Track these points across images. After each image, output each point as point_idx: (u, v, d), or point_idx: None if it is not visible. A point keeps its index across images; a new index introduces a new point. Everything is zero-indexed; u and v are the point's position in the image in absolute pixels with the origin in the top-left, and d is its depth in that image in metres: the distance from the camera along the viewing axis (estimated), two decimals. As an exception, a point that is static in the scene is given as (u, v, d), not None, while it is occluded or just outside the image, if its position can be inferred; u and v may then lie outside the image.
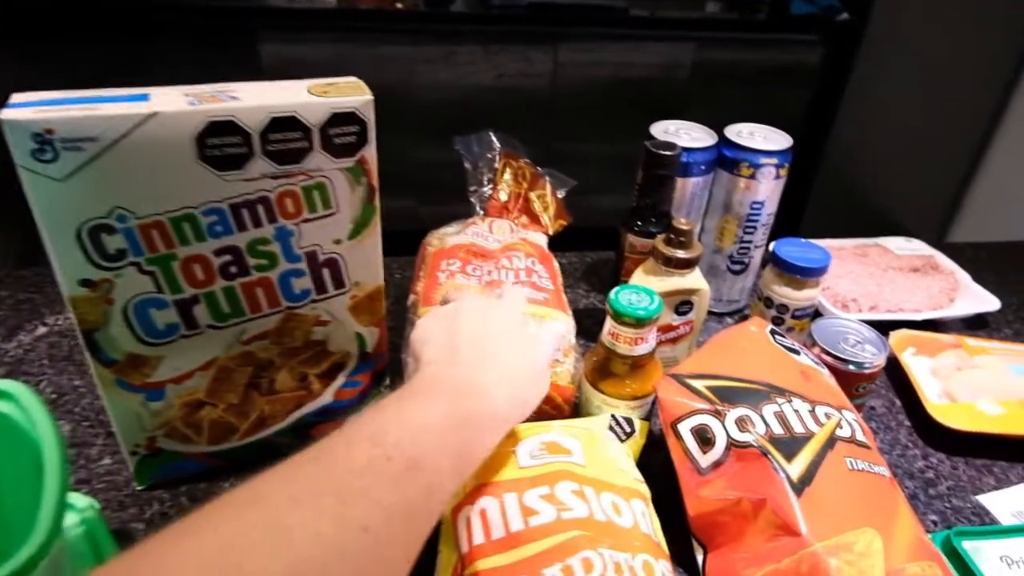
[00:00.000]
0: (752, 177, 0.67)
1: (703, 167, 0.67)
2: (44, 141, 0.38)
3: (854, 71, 1.60)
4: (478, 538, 0.41)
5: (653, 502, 0.46)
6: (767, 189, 0.68)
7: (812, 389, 0.50)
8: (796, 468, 0.44)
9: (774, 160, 0.66)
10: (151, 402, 0.49)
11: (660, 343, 0.62)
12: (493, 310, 0.45)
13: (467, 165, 0.72)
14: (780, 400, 0.48)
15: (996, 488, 0.57)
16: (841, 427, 0.48)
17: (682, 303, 0.60)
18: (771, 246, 0.66)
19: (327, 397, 0.55)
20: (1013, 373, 0.64)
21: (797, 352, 0.54)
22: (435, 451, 0.34)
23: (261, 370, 0.52)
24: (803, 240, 0.68)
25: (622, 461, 0.48)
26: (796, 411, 0.48)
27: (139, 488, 0.53)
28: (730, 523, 0.45)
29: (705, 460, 0.47)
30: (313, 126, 0.44)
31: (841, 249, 0.84)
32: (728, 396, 0.49)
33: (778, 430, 0.46)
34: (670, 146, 0.61)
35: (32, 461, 0.35)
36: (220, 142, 0.42)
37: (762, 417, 0.47)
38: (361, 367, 0.55)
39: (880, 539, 0.42)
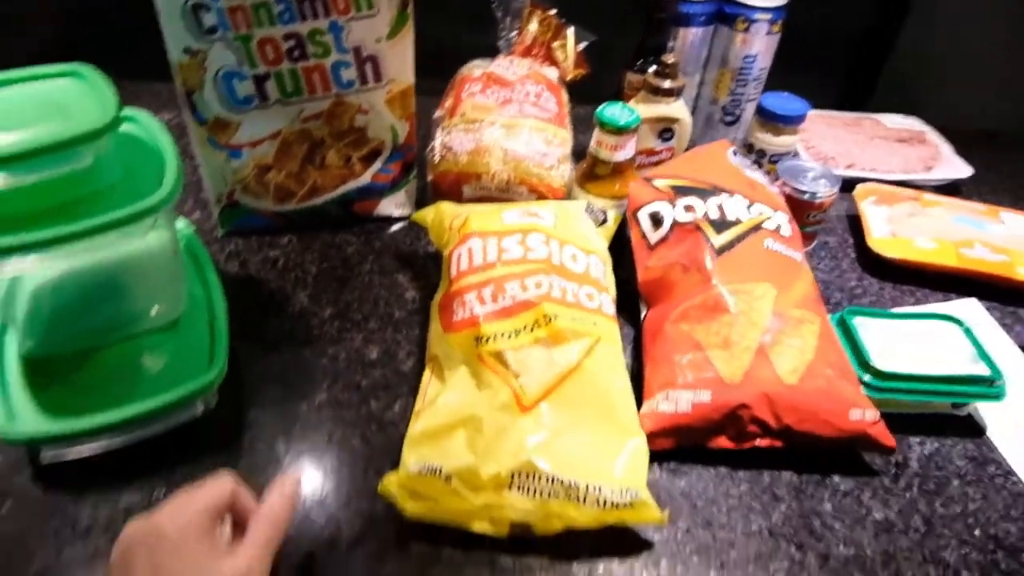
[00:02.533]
0: (746, 31, 0.75)
1: (702, 19, 0.75)
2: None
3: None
4: (463, 266, 0.55)
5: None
6: (760, 44, 0.76)
7: (755, 194, 0.61)
8: (721, 239, 0.56)
9: (768, 16, 0.74)
10: (232, 160, 0.64)
11: (643, 166, 0.73)
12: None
13: (497, 13, 0.82)
14: (724, 195, 0.60)
15: (912, 305, 0.68)
16: (769, 221, 0.59)
17: (664, 130, 0.70)
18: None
19: (366, 178, 0.69)
20: (955, 221, 0.73)
21: (752, 169, 0.65)
22: None
23: (315, 147, 0.66)
24: (788, 94, 0.77)
25: (590, 234, 0.61)
26: (735, 204, 0.59)
27: (221, 234, 0.69)
28: (667, 283, 0.58)
29: (655, 237, 0.60)
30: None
31: (835, 117, 0.91)
32: (682, 191, 0.60)
33: (714, 215, 0.58)
34: (669, -8, 0.70)
35: (154, 170, 0.48)
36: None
37: (705, 205, 0.59)
38: (394, 156, 0.69)
39: (775, 291, 0.54)
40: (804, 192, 0.69)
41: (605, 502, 0.43)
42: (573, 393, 0.48)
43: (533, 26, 0.82)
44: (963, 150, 0.87)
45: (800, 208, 0.69)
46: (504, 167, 0.67)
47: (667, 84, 0.68)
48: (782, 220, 0.60)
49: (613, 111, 0.64)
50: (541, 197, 0.68)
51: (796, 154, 0.77)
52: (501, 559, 0.45)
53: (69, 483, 0.47)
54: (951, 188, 0.85)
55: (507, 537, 0.45)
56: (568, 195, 0.69)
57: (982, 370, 0.54)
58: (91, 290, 0.54)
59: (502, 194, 0.69)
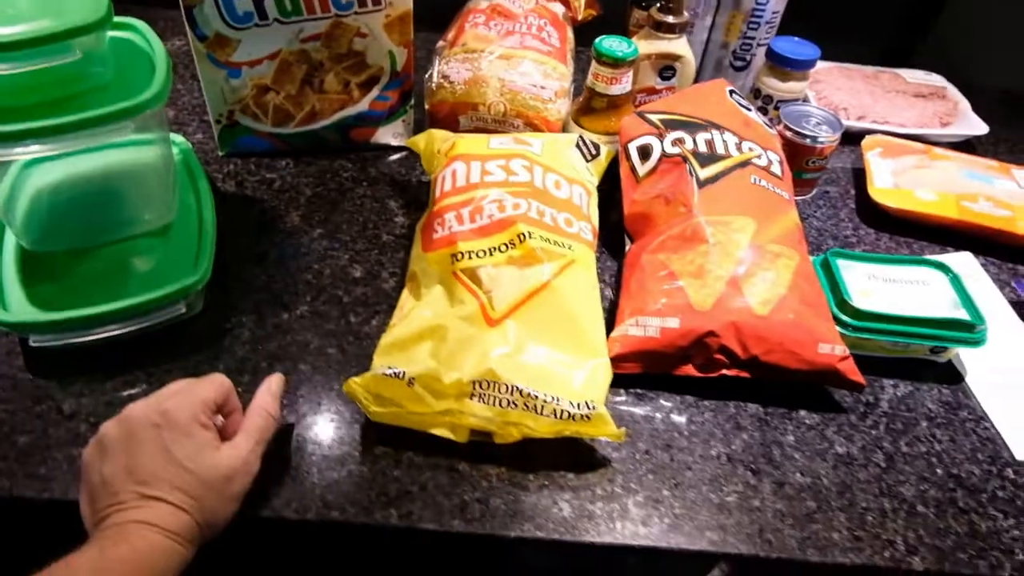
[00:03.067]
0: (759, -30, 0.73)
1: (715, -43, 0.73)
2: None
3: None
4: (447, 187, 0.56)
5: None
6: (773, -16, 0.74)
7: (748, 132, 0.60)
8: (706, 172, 0.56)
9: (782, -46, 0.72)
10: (231, 79, 0.65)
11: (643, 104, 0.72)
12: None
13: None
14: (714, 131, 0.59)
15: (908, 257, 0.67)
16: (759, 158, 0.58)
17: (666, 67, 0.69)
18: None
19: (364, 105, 0.70)
20: (963, 175, 0.71)
21: (749, 109, 0.63)
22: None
23: (314, 70, 0.66)
24: (799, 39, 0.75)
25: (579, 166, 0.61)
26: (725, 141, 0.58)
27: (221, 154, 0.70)
28: (650, 216, 0.58)
29: (642, 169, 0.59)
30: None
31: (854, 69, 0.89)
32: (673, 125, 0.60)
33: (703, 149, 0.57)
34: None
35: (148, 76, 0.50)
36: None
37: (694, 140, 0.58)
38: (392, 83, 0.69)
39: (755, 224, 0.53)
40: (805, 136, 0.67)
41: (562, 413, 0.44)
42: (540, 311, 0.48)
43: (545, -38, 0.81)
44: (987, 109, 0.84)
45: (800, 152, 0.68)
46: (500, 98, 0.67)
47: (670, 19, 0.67)
48: (774, 159, 0.59)
49: (611, 43, 0.63)
50: (537, 130, 0.68)
51: (806, 101, 0.75)
52: (460, 465, 0.46)
53: (57, 373, 0.50)
54: (967, 146, 0.82)
55: (467, 444, 0.46)
56: (565, 130, 0.69)
57: (963, 315, 0.53)
58: (87, 195, 0.57)
59: (499, 126, 0.69)
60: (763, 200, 0.56)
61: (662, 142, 0.59)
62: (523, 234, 0.50)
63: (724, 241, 0.52)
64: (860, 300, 0.54)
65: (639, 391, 0.52)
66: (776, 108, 0.74)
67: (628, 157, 0.61)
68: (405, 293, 0.54)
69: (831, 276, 0.56)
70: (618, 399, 0.51)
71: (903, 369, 0.55)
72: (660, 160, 0.58)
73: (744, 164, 0.57)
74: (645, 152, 0.59)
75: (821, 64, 0.89)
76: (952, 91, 0.87)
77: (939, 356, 0.56)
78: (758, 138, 0.60)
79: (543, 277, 0.49)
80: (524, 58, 0.68)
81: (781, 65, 0.73)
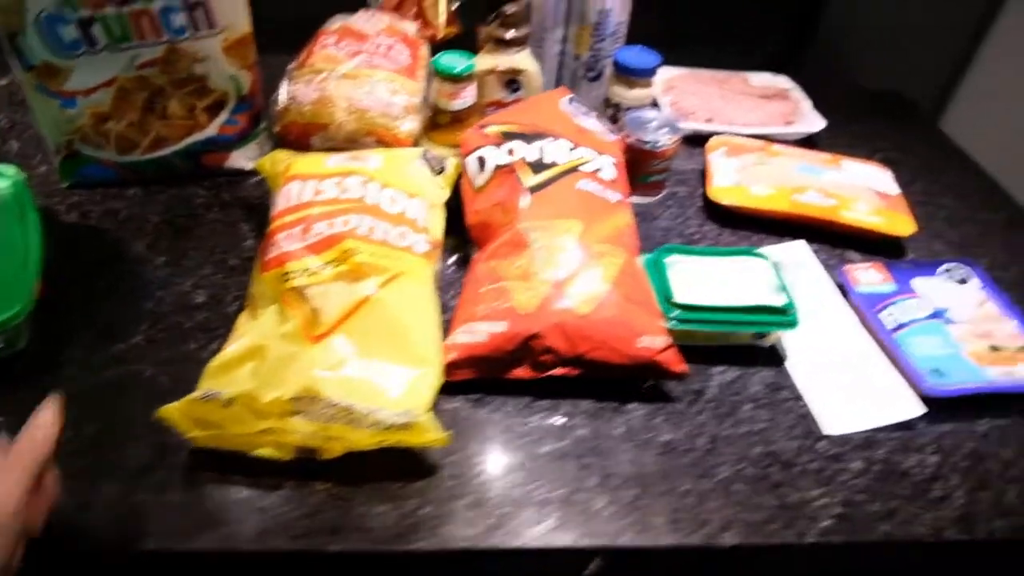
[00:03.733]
0: (598, -16, 0.76)
1: (556, -28, 0.76)
2: None
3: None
4: (280, 207, 0.56)
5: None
6: (613, -2, 0.77)
7: (582, 139, 0.63)
8: (534, 180, 0.58)
9: (617, -31, 0.76)
10: (66, 108, 0.64)
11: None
12: None
13: (368, -34, 0.83)
14: (548, 140, 0.61)
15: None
16: (590, 163, 0.60)
17: (510, 81, 0.72)
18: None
19: (212, 129, 0.69)
20: (797, 169, 0.76)
21: (585, 116, 0.66)
22: None
23: (155, 96, 0.66)
24: (642, 47, 0.79)
25: (421, 180, 0.62)
26: (557, 148, 0.61)
27: (64, 186, 0.69)
28: (489, 225, 0.59)
29: (479, 179, 0.61)
30: None
31: (706, 75, 0.93)
32: (510, 136, 0.62)
33: (534, 157, 0.60)
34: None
35: None
36: None
37: (527, 149, 0.60)
38: (240, 107, 0.69)
39: (581, 226, 0.56)
40: (646, 142, 0.71)
41: (381, 423, 0.45)
42: (364, 323, 0.49)
43: (403, -18, 0.83)
44: (838, 106, 0.90)
45: (643, 157, 0.71)
46: (349, 117, 0.68)
47: (510, 34, 0.69)
48: (605, 163, 0.62)
49: (448, 59, 0.65)
50: (388, 147, 0.69)
51: (654, 106, 0.79)
52: (287, 483, 0.46)
53: None
54: (809, 141, 0.88)
55: (296, 461, 0.46)
56: (416, 145, 0.70)
57: (775, 300, 0.57)
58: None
59: (351, 145, 0.69)
60: (591, 203, 0.58)
61: (497, 153, 0.61)
62: (349, 250, 0.51)
63: (548, 245, 0.54)
64: (684, 293, 0.57)
65: (477, 396, 0.53)
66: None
67: (467, 168, 0.62)
68: (243, 316, 0.54)
69: (661, 273, 0.59)
70: (456, 405, 0.52)
71: (732, 356, 0.58)
72: (495, 170, 0.60)
73: (573, 170, 0.59)
74: (482, 163, 0.61)
75: (676, 71, 0.94)
76: (796, 92, 0.92)
77: (762, 341, 0.59)
78: (591, 143, 0.63)
79: (367, 291, 0.50)
80: (371, 76, 0.70)
81: (625, 74, 0.76)
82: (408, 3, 0.83)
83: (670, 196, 0.77)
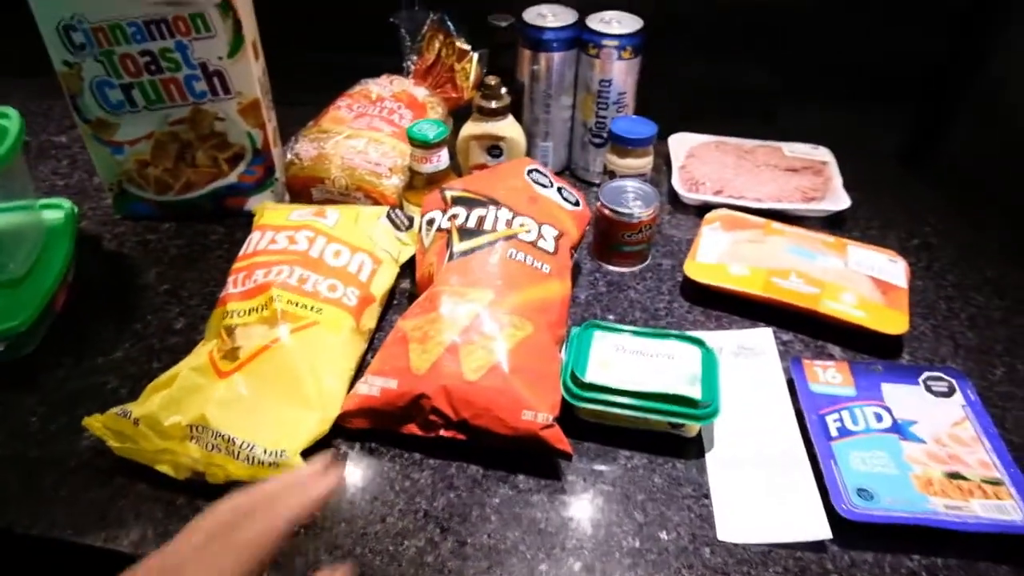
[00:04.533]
0: (597, 56, 0.78)
1: (558, 44, 0.78)
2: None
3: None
4: (241, 254, 0.64)
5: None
6: (613, 68, 0.78)
7: (530, 208, 0.64)
8: (462, 246, 0.60)
9: (615, 42, 0.77)
10: (115, 155, 0.76)
11: (479, 179, 0.78)
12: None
13: (403, 33, 0.90)
14: (492, 208, 0.63)
15: (713, 330, 0.67)
16: (528, 233, 0.62)
17: (492, 147, 0.75)
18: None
19: (233, 177, 0.79)
20: (786, 251, 0.71)
21: (545, 186, 0.67)
22: None
23: (185, 148, 0.77)
24: (639, 117, 0.79)
25: (379, 237, 0.67)
26: (497, 216, 0.62)
27: (116, 216, 0.82)
28: (427, 284, 0.63)
29: (427, 240, 0.64)
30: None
31: (730, 144, 0.90)
32: (460, 201, 0.65)
33: (471, 224, 0.62)
34: (505, 19, 0.75)
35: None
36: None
37: (467, 215, 0.63)
38: (256, 160, 0.78)
39: (492, 295, 0.57)
40: (619, 213, 0.71)
41: (255, 459, 0.49)
42: (265, 366, 0.54)
43: (436, 46, 0.89)
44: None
45: (617, 228, 0.71)
46: (342, 173, 0.75)
47: (492, 104, 0.73)
48: (548, 234, 0.63)
49: (421, 127, 0.69)
50: (376, 202, 0.75)
51: (643, 177, 0.78)
52: (178, 499, 0.52)
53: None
54: (835, 221, 0.82)
55: (192, 481, 0.52)
56: (400, 202, 0.76)
57: (692, 391, 0.54)
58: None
59: (344, 198, 0.76)
60: (516, 272, 0.59)
61: (443, 216, 0.64)
62: (272, 298, 0.57)
63: (453, 310, 0.56)
64: (596, 372, 0.56)
65: (374, 446, 0.56)
66: (619, 183, 0.77)
67: (420, 228, 0.66)
68: (198, 345, 0.61)
69: (582, 346, 0.59)
70: (351, 450, 0.56)
71: (647, 442, 0.56)
72: (436, 233, 0.63)
73: (507, 239, 0.61)
74: (430, 225, 0.65)
75: (698, 138, 0.92)
76: (832, 166, 0.86)
77: (682, 431, 0.56)
78: (541, 214, 0.64)
79: (278, 335, 0.55)
80: (364, 137, 0.76)
81: (618, 143, 0.77)
82: (439, 68, 0.90)
83: (653, 268, 0.76)
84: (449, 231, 0.62)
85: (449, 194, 0.66)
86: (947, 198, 0.87)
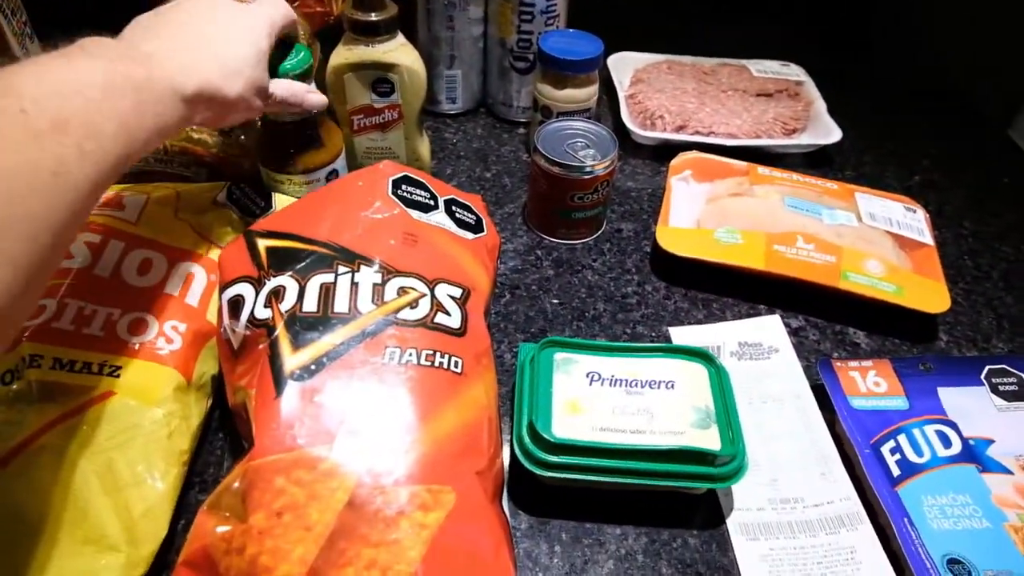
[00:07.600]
0: (518, -55, 0.56)
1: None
2: None
3: None
4: None
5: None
6: (538, -38, 0.57)
7: (407, 256, 0.39)
8: (298, 359, 0.33)
9: (542, -78, 0.55)
10: None
11: (365, 127, 0.55)
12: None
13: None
14: (343, 269, 0.37)
15: (702, 323, 0.50)
16: (415, 307, 0.36)
17: (379, 80, 0.52)
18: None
19: None
20: (785, 206, 0.54)
21: (428, 208, 0.43)
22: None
23: None
24: (576, 31, 0.58)
25: (218, 231, 0.44)
26: (356, 284, 0.36)
27: None
28: (245, 423, 0.35)
29: (236, 339, 0.37)
30: None
31: (687, 64, 0.71)
32: (283, 261, 0.38)
33: (309, 307, 0.35)
34: None
35: None
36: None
37: (302, 289, 0.36)
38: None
39: (375, 456, 0.31)
40: (568, 167, 0.51)
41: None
42: (25, 483, 0.32)
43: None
44: (876, 108, 0.68)
45: (563, 187, 0.52)
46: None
47: (372, 16, 0.50)
48: (445, 298, 0.38)
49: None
50: (211, 176, 0.51)
51: (587, 114, 0.58)
52: None
53: None
54: (823, 156, 0.66)
55: None
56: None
57: (710, 441, 0.37)
58: None
59: (157, 169, 0.52)
60: (410, 393, 0.33)
61: (257, 294, 0.37)
62: (24, 359, 0.34)
63: (303, 506, 0.29)
64: (563, 421, 0.37)
65: None
66: (556, 123, 0.57)
67: (221, 312, 0.38)
68: None
69: (541, 380, 0.40)
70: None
71: (642, 510, 0.39)
72: (248, 328, 0.36)
73: (384, 325, 0.35)
74: (235, 311, 0.37)
75: (645, 57, 0.72)
76: (809, 88, 0.70)
77: (693, 490, 0.39)
78: (427, 262, 0.39)
79: (35, 427, 0.32)
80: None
81: (553, 68, 0.56)
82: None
83: (610, 235, 0.57)
84: (272, 327, 0.35)
85: (264, 244, 0.39)
86: (932, 112, 0.73)
